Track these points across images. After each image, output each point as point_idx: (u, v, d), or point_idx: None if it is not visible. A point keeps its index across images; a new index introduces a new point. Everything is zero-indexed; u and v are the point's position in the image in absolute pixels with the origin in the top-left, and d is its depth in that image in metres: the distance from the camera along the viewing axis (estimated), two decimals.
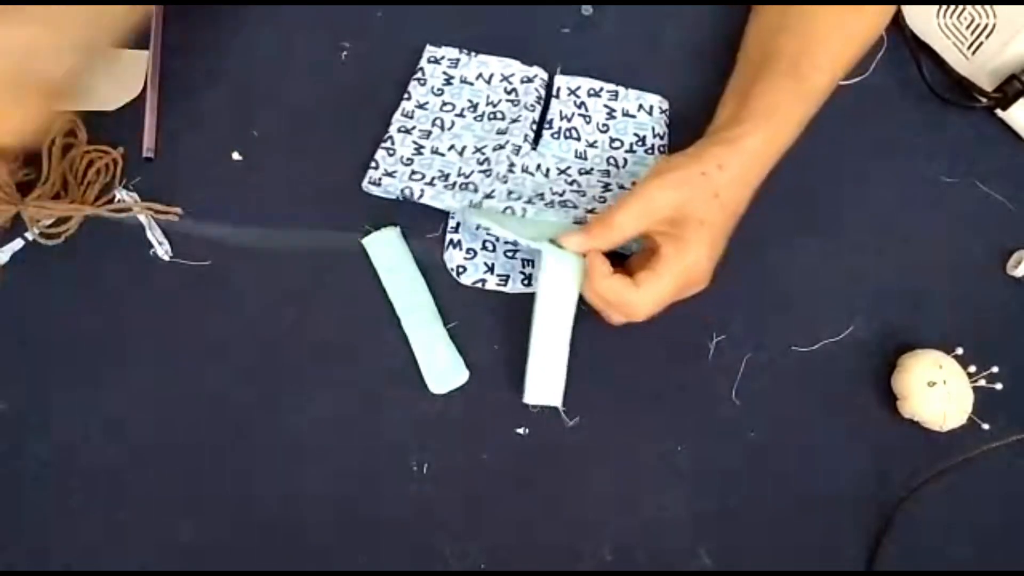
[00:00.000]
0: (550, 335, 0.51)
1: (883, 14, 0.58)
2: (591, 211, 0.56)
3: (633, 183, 0.58)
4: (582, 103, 0.62)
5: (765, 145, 0.51)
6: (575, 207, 0.57)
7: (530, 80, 0.61)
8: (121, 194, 0.57)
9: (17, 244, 0.56)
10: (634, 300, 0.49)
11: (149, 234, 0.56)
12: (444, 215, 0.58)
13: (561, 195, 0.57)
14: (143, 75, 0.60)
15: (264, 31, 0.63)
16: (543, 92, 0.62)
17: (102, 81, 0.60)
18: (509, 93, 0.61)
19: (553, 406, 0.52)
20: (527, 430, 0.54)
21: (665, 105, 0.62)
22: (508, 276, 0.56)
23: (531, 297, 0.55)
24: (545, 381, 0.52)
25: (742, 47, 0.60)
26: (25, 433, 0.52)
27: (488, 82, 0.62)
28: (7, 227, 0.56)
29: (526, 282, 0.56)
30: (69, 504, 0.51)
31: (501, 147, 0.58)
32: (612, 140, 0.61)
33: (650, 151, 0.61)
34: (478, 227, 0.56)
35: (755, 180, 0.52)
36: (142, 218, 0.57)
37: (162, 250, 0.56)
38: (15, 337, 0.54)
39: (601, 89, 0.62)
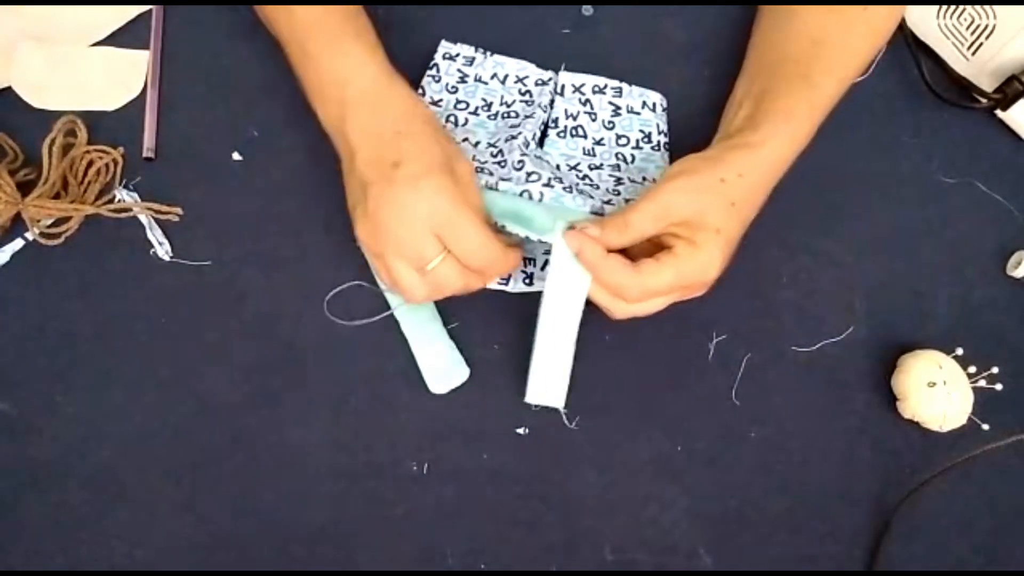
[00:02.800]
0: (555, 333, 0.51)
1: (891, 17, 0.58)
2: (607, 202, 0.56)
3: (643, 179, 0.59)
4: (587, 100, 0.62)
5: (782, 150, 0.51)
6: (591, 197, 0.56)
7: (545, 83, 0.61)
8: (121, 194, 0.57)
9: (17, 244, 0.56)
10: (630, 283, 0.48)
11: (149, 234, 0.56)
12: None
13: (576, 186, 0.57)
14: (143, 75, 0.60)
15: (264, 31, 0.63)
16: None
17: (102, 81, 0.60)
18: (523, 95, 0.61)
19: (554, 407, 0.52)
20: (527, 430, 0.54)
21: (664, 103, 0.62)
22: (509, 275, 0.56)
23: (532, 297, 0.55)
24: (548, 381, 0.52)
25: (751, 47, 0.60)
26: (26, 433, 0.52)
27: (503, 82, 0.62)
28: (7, 227, 0.56)
29: (527, 281, 0.56)
30: (69, 504, 0.51)
31: (513, 138, 0.58)
32: (619, 137, 0.61)
33: (656, 148, 0.61)
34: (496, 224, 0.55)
35: (770, 185, 0.52)
36: (142, 218, 0.57)
37: (162, 250, 0.56)
38: (15, 337, 0.54)
39: (605, 86, 0.62)
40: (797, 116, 0.52)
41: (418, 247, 0.47)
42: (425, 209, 0.46)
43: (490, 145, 0.58)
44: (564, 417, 0.53)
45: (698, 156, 0.51)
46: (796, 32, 0.56)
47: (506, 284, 0.56)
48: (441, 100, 0.61)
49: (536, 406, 0.53)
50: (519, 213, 0.51)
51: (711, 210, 0.48)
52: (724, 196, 0.49)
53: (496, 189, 0.54)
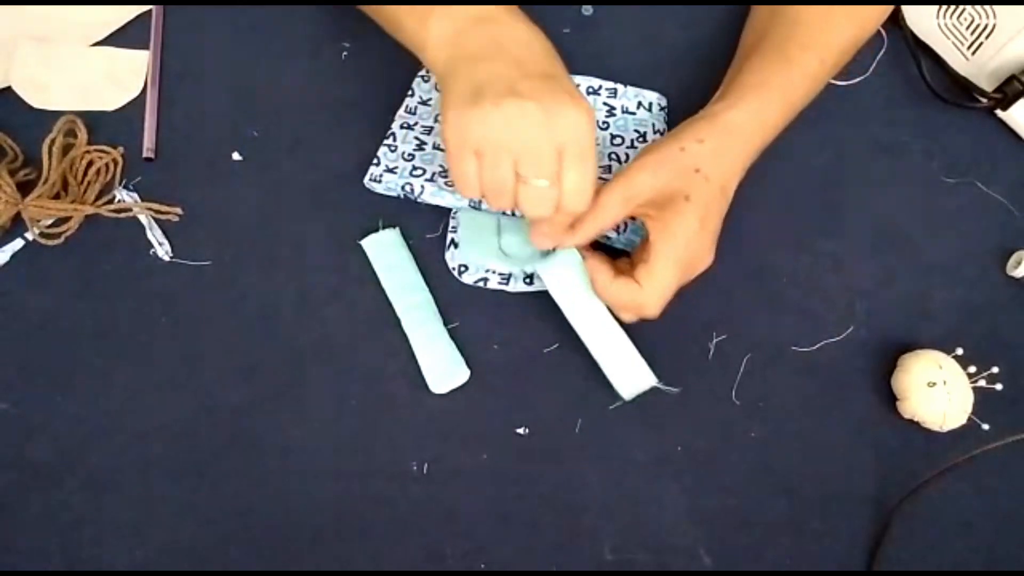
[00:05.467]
0: (599, 336, 0.52)
1: (877, 8, 0.58)
2: None
3: None
4: None
5: (749, 119, 0.51)
6: None
7: None
8: (121, 194, 0.57)
9: (17, 244, 0.56)
10: (641, 299, 0.49)
11: (149, 234, 0.56)
12: (444, 216, 0.58)
13: None
14: (143, 75, 0.60)
15: (264, 31, 0.63)
16: None
17: (102, 81, 0.60)
18: None
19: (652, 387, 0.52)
20: (527, 430, 0.54)
21: (664, 102, 0.62)
22: (510, 275, 0.56)
23: (533, 297, 0.55)
24: (626, 373, 0.52)
25: (739, 45, 0.60)
26: (25, 433, 0.52)
27: None
28: (7, 227, 0.56)
29: (528, 281, 0.56)
30: (69, 504, 0.51)
31: None
32: (613, 136, 0.61)
33: None
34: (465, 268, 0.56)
35: (740, 154, 0.51)
36: (142, 218, 0.57)
37: (162, 250, 0.56)
38: (15, 337, 0.54)
39: (600, 87, 0.62)
40: (766, 87, 0.52)
41: (543, 156, 0.44)
42: (573, 125, 0.43)
43: None
44: (665, 387, 0.52)
45: (662, 136, 0.51)
46: (778, 18, 0.56)
47: (506, 284, 0.56)
48: (431, 99, 0.61)
49: (537, 407, 0.53)
50: (503, 245, 0.53)
51: (674, 178, 0.48)
52: (685, 163, 0.49)
53: (479, 208, 0.55)
